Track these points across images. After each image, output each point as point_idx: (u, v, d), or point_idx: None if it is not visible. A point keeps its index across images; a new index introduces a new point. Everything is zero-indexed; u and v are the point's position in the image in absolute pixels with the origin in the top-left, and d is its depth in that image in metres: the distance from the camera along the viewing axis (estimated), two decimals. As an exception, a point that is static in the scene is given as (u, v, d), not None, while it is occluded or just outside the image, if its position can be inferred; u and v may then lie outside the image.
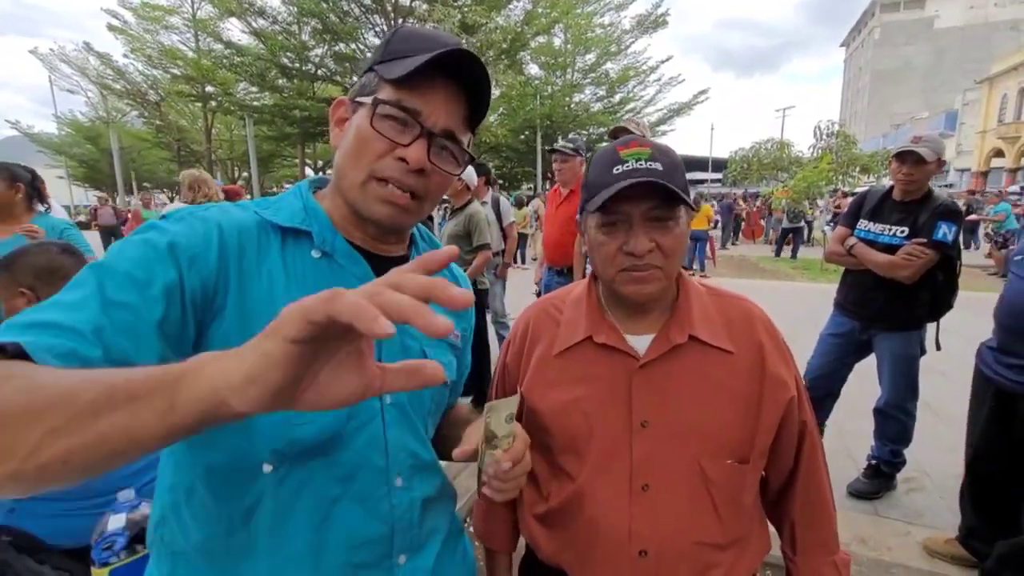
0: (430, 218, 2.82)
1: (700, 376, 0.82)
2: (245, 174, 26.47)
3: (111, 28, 20.06)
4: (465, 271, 3.80)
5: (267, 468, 0.62)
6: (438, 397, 0.80)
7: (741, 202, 18.66)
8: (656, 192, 0.75)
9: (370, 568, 0.69)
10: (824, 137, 18.38)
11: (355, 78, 0.71)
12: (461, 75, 0.65)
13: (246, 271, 0.62)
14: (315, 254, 0.67)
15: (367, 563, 0.68)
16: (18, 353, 0.44)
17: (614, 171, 0.78)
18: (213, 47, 20.22)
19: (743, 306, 0.90)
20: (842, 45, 73.97)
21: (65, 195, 23.83)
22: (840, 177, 17.06)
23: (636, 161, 0.78)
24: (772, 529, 0.95)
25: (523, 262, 11.30)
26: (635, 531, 0.80)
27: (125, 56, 20.90)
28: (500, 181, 19.94)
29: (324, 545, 0.65)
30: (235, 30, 19.88)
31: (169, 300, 0.56)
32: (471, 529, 1.08)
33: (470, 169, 3.71)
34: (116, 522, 1.09)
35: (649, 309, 0.86)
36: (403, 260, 0.76)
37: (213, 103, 21.64)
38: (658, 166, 0.77)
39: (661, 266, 0.79)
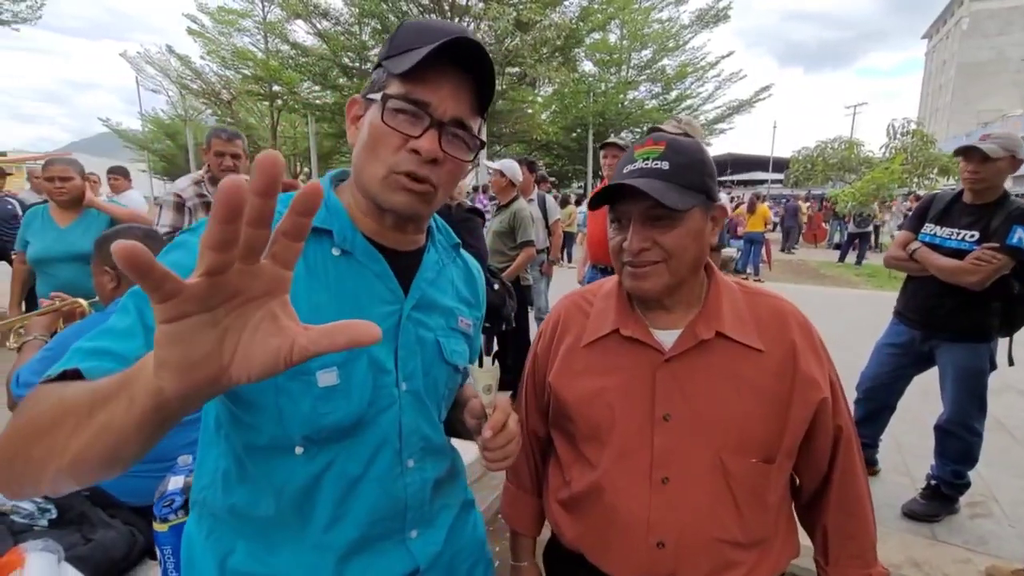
0: (447, 207, 2.90)
1: (726, 372, 0.82)
2: (307, 169, 27.71)
3: (190, 32, 21.48)
4: (508, 267, 3.84)
5: (298, 450, 0.68)
6: (451, 383, 0.82)
7: (803, 204, 17.71)
8: (654, 190, 0.76)
9: (384, 540, 0.74)
10: (898, 136, 17.20)
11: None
12: (466, 63, 0.67)
13: None
14: (335, 252, 0.69)
15: (382, 536, 0.74)
16: (77, 377, 0.53)
17: (624, 170, 0.81)
18: (280, 48, 21.28)
19: (776, 304, 0.88)
20: (924, 37, 68.68)
21: (146, 187, 25.83)
22: (915, 179, 15.93)
23: (644, 160, 0.79)
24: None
25: (570, 260, 11.25)
26: (653, 522, 0.81)
27: (202, 58, 22.36)
28: (552, 179, 19.89)
29: (344, 518, 0.70)
30: (300, 31, 20.84)
31: None
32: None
33: (514, 164, 3.74)
34: (175, 483, 1.20)
35: (671, 305, 0.87)
36: (419, 253, 0.79)
37: (279, 102, 22.75)
38: (664, 165, 0.78)
39: (661, 262, 0.80)
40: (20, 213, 4.92)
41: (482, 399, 0.73)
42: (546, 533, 1.04)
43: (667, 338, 0.85)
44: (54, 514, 1.40)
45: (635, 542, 0.82)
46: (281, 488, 0.69)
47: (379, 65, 0.69)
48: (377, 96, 0.66)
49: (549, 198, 4.53)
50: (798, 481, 0.92)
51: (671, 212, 0.77)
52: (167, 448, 1.45)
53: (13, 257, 2.99)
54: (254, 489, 0.69)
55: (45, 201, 2.88)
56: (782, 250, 14.87)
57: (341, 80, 21.01)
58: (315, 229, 0.68)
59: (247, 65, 21.35)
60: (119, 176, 5.05)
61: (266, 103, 23.48)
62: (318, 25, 19.77)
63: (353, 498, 0.70)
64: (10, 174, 5.33)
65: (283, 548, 0.70)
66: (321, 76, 20.42)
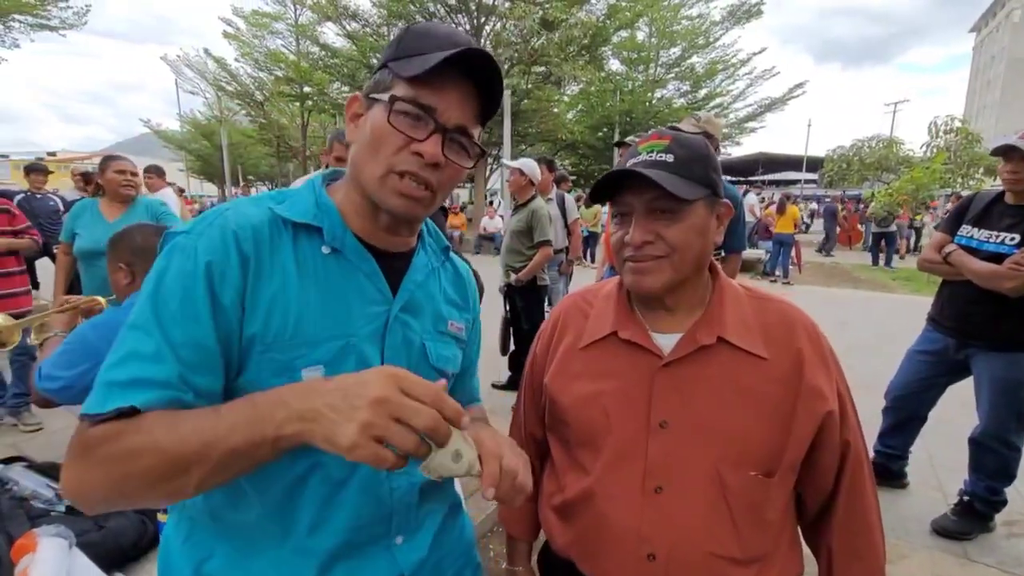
0: (443, 211, 3.04)
1: (727, 380, 0.78)
2: (335, 169, 28.23)
3: (225, 35, 22.13)
4: (525, 267, 3.83)
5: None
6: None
7: (839, 205, 17.12)
8: (660, 178, 0.73)
9: (369, 546, 0.72)
10: (941, 134, 16.47)
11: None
12: (474, 73, 0.68)
13: (261, 268, 0.65)
14: (325, 250, 0.69)
15: (366, 542, 0.72)
16: (134, 413, 0.57)
17: (629, 164, 0.78)
18: (311, 50, 21.72)
19: (785, 310, 0.84)
20: (971, 31, 65.69)
21: (183, 185, 26.80)
22: (959, 179, 15.25)
23: (648, 153, 0.77)
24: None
25: (592, 260, 11.15)
26: (644, 533, 0.78)
27: (236, 60, 23.01)
28: (574, 178, 19.73)
29: (327, 523, 0.69)
30: (330, 33, 21.19)
31: (217, 322, 0.62)
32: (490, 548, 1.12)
33: (533, 164, 3.72)
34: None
35: (673, 306, 0.83)
36: (409, 255, 0.79)
37: (309, 102, 23.19)
38: (669, 158, 0.75)
39: (664, 257, 0.76)
40: (62, 209, 5.18)
41: (457, 471, 0.57)
42: (543, 537, 1.03)
43: (667, 342, 0.82)
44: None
45: (625, 553, 0.79)
46: (264, 490, 0.68)
47: (384, 66, 0.69)
48: (382, 96, 0.67)
49: (568, 197, 4.49)
50: (804, 498, 0.88)
51: (676, 204, 0.74)
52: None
53: (57, 249, 3.14)
54: (236, 491, 0.68)
55: (93, 195, 3.07)
56: (819, 251, 14.41)
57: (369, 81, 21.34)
58: (305, 226, 0.69)
59: (279, 67, 21.87)
60: (153, 175, 5.26)
61: (297, 104, 23.99)
62: (347, 27, 20.08)
63: (337, 502, 0.69)
64: (51, 172, 5.60)
65: (263, 553, 0.69)
66: (350, 77, 20.74)
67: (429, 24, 0.71)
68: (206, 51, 23.45)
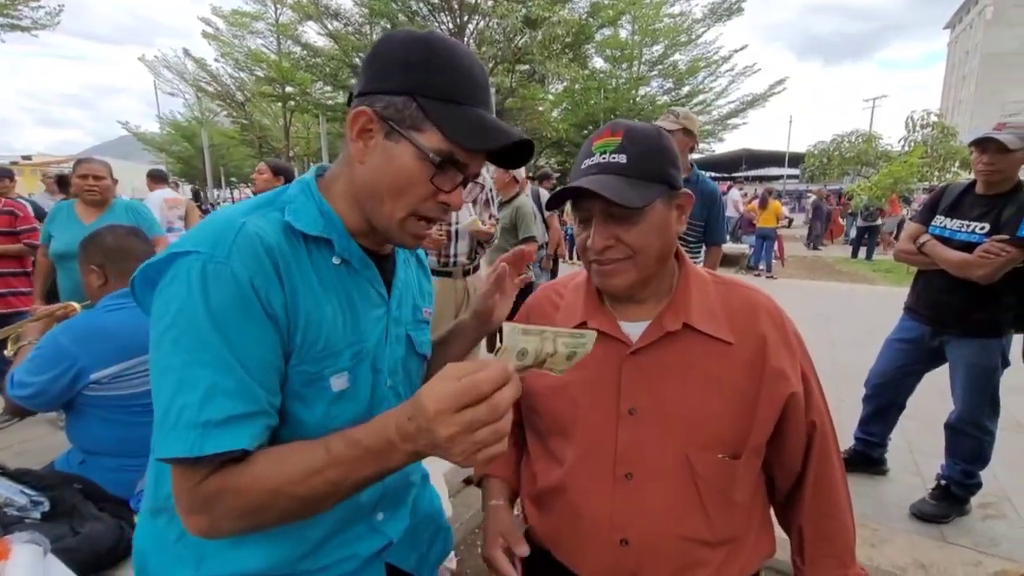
0: None
1: (693, 365, 0.80)
2: (319, 170, 27.97)
3: (205, 35, 21.79)
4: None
5: None
6: (421, 373, 0.89)
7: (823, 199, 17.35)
8: (610, 189, 0.73)
9: (355, 525, 0.78)
10: (918, 129, 16.80)
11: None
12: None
13: (293, 282, 0.66)
14: (335, 261, 0.72)
15: (353, 520, 0.77)
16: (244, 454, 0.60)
17: (583, 165, 0.79)
18: (292, 49, 21.49)
19: (749, 296, 0.86)
20: (946, 27, 67.04)
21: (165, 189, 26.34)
22: (936, 173, 15.56)
23: (601, 154, 0.77)
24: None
25: (577, 258, 11.18)
26: (616, 519, 0.79)
27: (216, 60, 22.68)
28: (559, 175, 19.78)
29: (329, 512, 0.71)
30: (312, 33, 21.01)
31: (278, 338, 0.64)
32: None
33: (517, 161, 3.73)
34: (155, 477, 1.20)
35: (642, 297, 0.85)
36: (393, 255, 0.84)
37: (292, 103, 22.95)
38: (622, 158, 0.75)
39: (626, 258, 0.78)
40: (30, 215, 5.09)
41: (536, 359, 0.60)
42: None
43: (636, 330, 0.83)
44: (47, 507, 1.41)
45: (599, 539, 0.80)
46: None
47: (407, 93, 0.66)
48: (411, 135, 0.66)
49: (543, 192, 4.52)
50: (774, 480, 0.89)
51: (631, 210, 0.75)
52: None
53: (38, 250, 3.10)
54: None
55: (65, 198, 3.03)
56: (813, 248, 14.57)
57: (352, 80, 21.15)
58: (316, 239, 0.70)
59: (260, 67, 21.62)
60: (149, 178, 5.52)
61: (279, 104, 23.73)
62: (329, 26, 19.92)
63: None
64: (15, 177, 5.40)
65: (257, 542, 0.71)
66: (332, 76, 20.59)
67: (452, 50, 0.68)
68: (185, 51, 23.07)
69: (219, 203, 19.61)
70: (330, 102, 22.13)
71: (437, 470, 1.51)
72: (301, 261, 0.68)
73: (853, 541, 0.86)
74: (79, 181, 2.79)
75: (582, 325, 0.85)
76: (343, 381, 0.70)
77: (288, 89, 22.04)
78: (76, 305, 1.84)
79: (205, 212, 3.81)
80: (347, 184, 0.73)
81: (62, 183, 5.63)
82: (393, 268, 0.83)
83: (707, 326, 0.80)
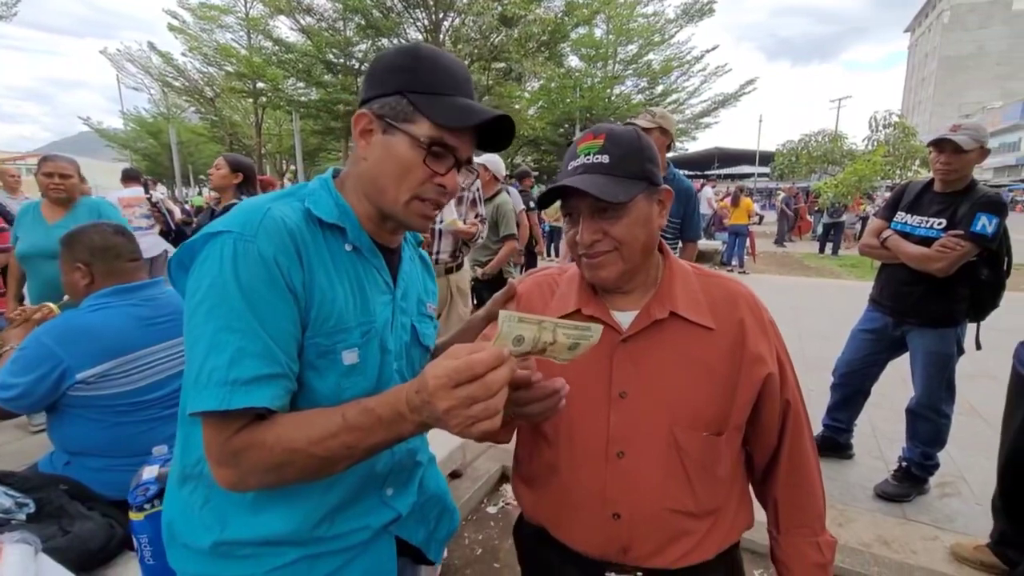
0: (211, 210, 3.44)
1: (679, 351, 0.85)
2: (293, 167, 27.44)
3: (171, 28, 21.12)
4: (490, 260, 3.86)
5: None
6: (423, 362, 0.94)
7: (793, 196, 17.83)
8: (595, 186, 0.79)
9: (365, 501, 0.84)
10: (880, 128, 17.41)
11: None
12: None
13: (311, 262, 0.73)
14: (348, 247, 0.80)
15: (363, 496, 0.84)
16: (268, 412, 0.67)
17: (569, 166, 0.85)
18: (263, 44, 21.01)
19: (728, 285, 0.92)
20: (907, 31, 69.48)
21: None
22: (897, 171, 16.16)
23: (585, 156, 0.83)
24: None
25: (557, 255, 11.28)
26: (609, 495, 0.84)
27: (184, 55, 22.02)
28: (536, 173, 19.86)
29: (341, 478, 0.78)
30: (284, 27, 20.59)
31: (296, 311, 0.71)
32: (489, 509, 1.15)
33: (498, 160, 3.76)
34: (150, 472, 1.21)
35: (629, 288, 0.90)
36: (399, 250, 0.91)
37: (263, 99, 22.45)
38: (605, 158, 0.82)
39: (613, 250, 0.83)
40: None
41: (536, 346, 0.63)
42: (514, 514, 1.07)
43: (625, 319, 0.88)
44: (32, 508, 1.40)
45: (592, 515, 0.86)
46: None
47: (399, 92, 0.75)
48: (406, 128, 0.74)
49: (512, 190, 4.58)
50: (752, 456, 0.96)
51: (615, 205, 0.80)
52: (144, 443, 1.47)
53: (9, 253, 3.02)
54: None
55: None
56: (780, 244, 14.95)
57: (326, 77, 20.81)
58: (331, 225, 0.78)
59: (230, 62, 21.03)
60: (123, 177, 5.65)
61: (250, 100, 23.19)
62: (301, 21, 19.54)
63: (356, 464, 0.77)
64: None
65: (273, 507, 0.76)
66: (305, 73, 20.21)
67: (437, 53, 0.78)
68: (150, 45, 22.34)
69: (188, 200, 19.07)
70: (303, 99, 21.73)
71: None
72: (318, 244, 0.75)
73: (824, 511, 0.93)
74: (45, 179, 2.72)
75: (576, 312, 0.90)
76: (354, 356, 0.76)
77: (259, 85, 21.54)
78: (54, 306, 1.82)
79: (156, 207, 3.63)
80: (356, 180, 0.81)
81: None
82: (399, 263, 0.90)
83: (691, 314, 0.86)
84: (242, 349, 0.65)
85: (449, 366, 0.56)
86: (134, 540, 1.21)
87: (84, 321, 1.48)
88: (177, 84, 23.28)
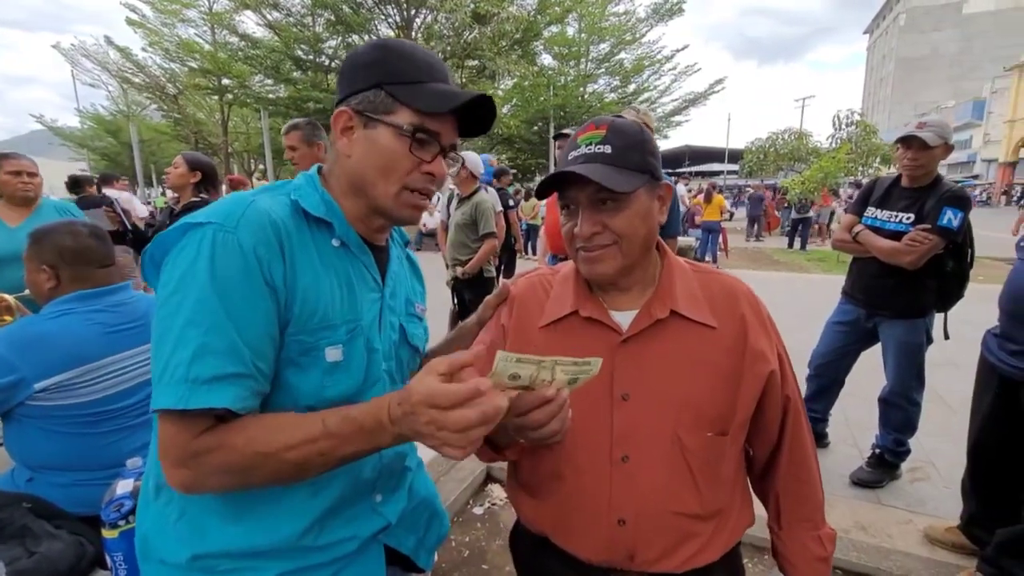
0: (171, 209, 3.40)
1: (681, 350, 0.83)
2: (261, 166, 26.75)
3: (130, 22, 20.26)
4: (470, 259, 3.84)
5: None
6: (412, 363, 0.93)
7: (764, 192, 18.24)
8: (598, 174, 0.77)
9: (355, 506, 0.81)
10: (843, 127, 18.00)
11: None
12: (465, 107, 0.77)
13: (295, 256, 0.71)
14: (335, 243, 0.78)
15: (353, 500, 0.81)
16: (230, 414, 0.64)
17: (569, 157, 0.82)
18: (229, 40, 20.36)
19: (726, 282, 0.91)
20: (865, 32, 72.00)
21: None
22: (860, 168, 16.71)
23: (587, 146, 0.80)
24: (758, 508, 0.96)
25: (534, 253, 11.30)
26: (614, 501, 0.82)
27: (144, 50, 21.15)
28: (513, 171, 19.85)
29: (328, 484, 0.76)
30: (250, 23, 19.98)
31: (275, 307, 0.68)
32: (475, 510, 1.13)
33: (475, 157, 3.73)
34: (124, 487, 1.15)
35: (627, 285, 0.88)
36: (387, 248, 0.90)
37: (229, 96, 21.77)
38: (607, 148, 0.79)
39: (612, 244, 0.81)
40: None
41: (532, 383, 0.63)
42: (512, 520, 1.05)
43: (624, 319, 0.86)
44: (-8, 530, 1.31)
45: (597, 521, 0.83)
46: None
47: (377, 86, 0.74)
48: (389, 120, 0.74)
49: (491, 189, 4.56)
50: (752, 453, 0.95)
51: (617, 195, 0.78)
52: (114, 455, 1.39)
53: None
54: None
55: None
56: (754, 240, 15.25)
57: (295, 73, 20.32)
58: (318, 219, 0.76)
59: (193, 58, 20.33)
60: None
61: (215, 97, 22.48)
62: (268, 16, 19.02)
63: (341, 470, 0.73)
64: None
65: (252, 513, 0.73)
66: (273, 69, 19.66)
67: (408, 44, 0.78)
68: (108, 40, 21.38)
69: (150, 201, 18.40)
70: (271, 96, 21.16)
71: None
72: (304, 238, 0.73)
73: (823, 504, 0.94)
74: (10, 178, 2.60)
75: (573, 314, 0.87)
76: (337, 353, 0.74)
77: (225, 82, 20.89)
78: (8, 297, 1.73)
79: (112, 207, 3.47)
80: (339, 178, 0.80)
81: None
82: (387, 261, 0.88)
83: (692, 312, 0.84)
84: (205, 345, 0.62)
85: (433, 387, 0.57)
86: (107, 558, 1.14)
87: (41, 329, 1.40)
88: (137, 80, 22.34)
